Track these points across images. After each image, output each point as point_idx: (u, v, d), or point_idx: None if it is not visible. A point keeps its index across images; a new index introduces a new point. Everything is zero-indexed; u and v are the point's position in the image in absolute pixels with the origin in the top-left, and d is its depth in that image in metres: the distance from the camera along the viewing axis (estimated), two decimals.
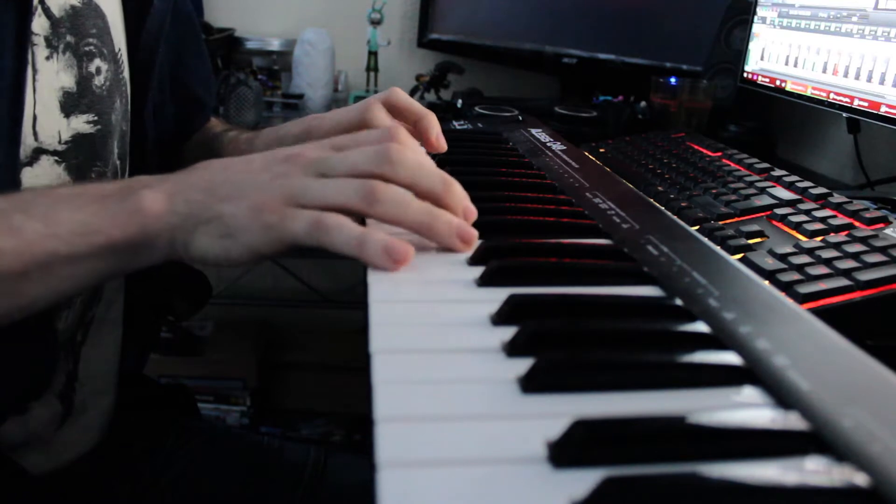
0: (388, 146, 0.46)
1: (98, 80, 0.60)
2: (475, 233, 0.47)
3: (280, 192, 0.44)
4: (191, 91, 0.78)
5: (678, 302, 0.40)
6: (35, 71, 0.54)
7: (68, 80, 0.57)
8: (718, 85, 1.23)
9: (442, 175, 0.47)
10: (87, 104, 0.59)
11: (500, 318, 0.38)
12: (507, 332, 0.36)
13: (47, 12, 0.55)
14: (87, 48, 0.59)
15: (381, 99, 0.62)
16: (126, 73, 0.65)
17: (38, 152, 0.55)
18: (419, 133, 0.62)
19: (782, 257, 0.58)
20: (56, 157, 0.56)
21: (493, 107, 1.12)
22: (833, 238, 0.61)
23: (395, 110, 0.62)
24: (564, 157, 0.74)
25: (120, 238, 0.45)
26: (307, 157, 0.47)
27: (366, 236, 0.43)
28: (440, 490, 0.26)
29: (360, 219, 0.46)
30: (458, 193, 0.47)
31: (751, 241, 0.63)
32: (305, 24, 1.57)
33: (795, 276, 0.55)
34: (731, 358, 0.35)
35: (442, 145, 0.63)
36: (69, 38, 0.57)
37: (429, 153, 0.71)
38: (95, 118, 0.60)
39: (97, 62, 0.60)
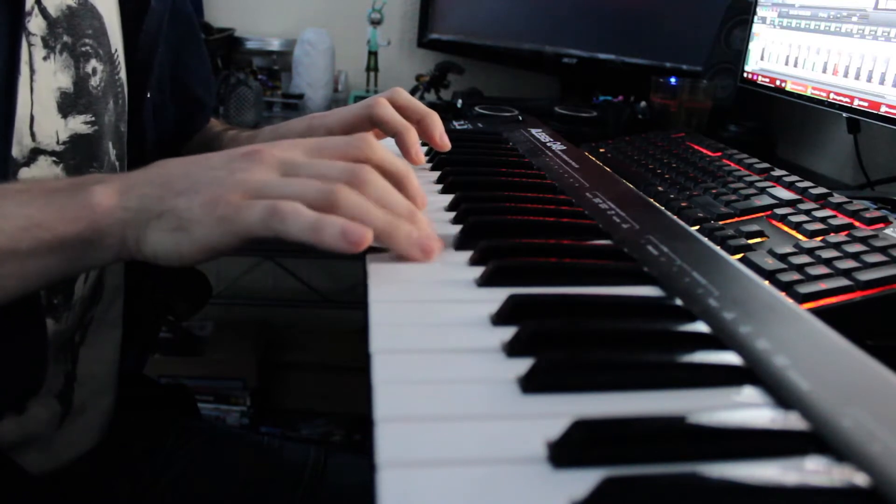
0: (360, 168, 0.45)
1: (94, 81, 0.60)
2: (438, 244, 0.45)
3: (237, 185, 0.43)
4: (191, 91, 0.78)
5: (678, 302, 0.40)
6: (32, 71, 0.54)
7: (65, 81, 0.57)
8: (718, 85, 1.23)
9: (409, 204, 0.46)
10: (85, 105, 0.59)
11: (499, 318, 0.38)
12: (507, 332, 0.36)
13: (44, 12, 0.55)
14: (83, 49, 0.59)
15: (384, 97, 0.62)
16: (122, 74, 0.65)
17: (36, 152, 0.55)
18: (422, 132, 0.62)
19: (782, 257, 0.58)
20: (54, 158, 0.56)
21: (493, 107, 1.12)
22: (833, 238, 0.61)
23: (397, 109, 0.62)
24: (564, 157, 0.74)
25: (67, 233, 0.43)
26: (272, 153, 0.45)
27: (322, 221, 0.41)
28: (440, 490, 0.26)
29: None
30: (422, 221, 0.46)
31: (751, 241, 0.63)
32: (305, 24, 1.58)
33: (795, 276, 0.55)
34: (731, 358, 0.35)
35: (445, 144, 0.62)
36: (66, 38, 0.57)
37: (429, 152, 0.71)
38: (93, 119, 0.60)
39: (93, 63, 0.60)
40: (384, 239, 0.44)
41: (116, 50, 0.64)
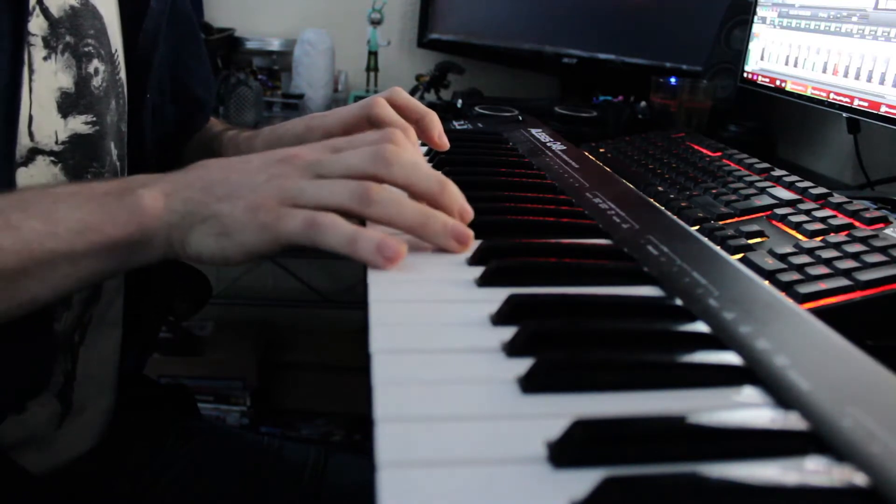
0: (383, 147, 0.46)
1: (96, 81, 0.60)
2: (471, 233, 0.47)
3: (276, 192, 0.45)
4: (191, 91, 0.78)
5: (678, 302, 0.40)
6: (31, 71, 0.54)
7: (67, 81, 0.57)
8: (718, 85, 1.23)
9: (437, 175, 0.47)
10: (86, 105, 0.59)
11: (499, 318, 0.38)
12: (507, 332, 0.36)
13: (46, 13, 0.55)
14: (85, 49, 0.59)
15: (383, 97, 0.62)
16: (123, 75, 0.65)
17: (34, 152, 0.55)
18: (421, 132, 0.62)
19: (782, 257, 0.58)
20: (52, 158, 0.56)
21: (493, 107, 1.12)
22: (833, 238, 0.61)
23: (396, 109, 0.62)
24: (564, 157, 0.74)
25: (118, 236, 0.45)
26: (304, 158, 0.47)
27: (358, 234, 0.43)
28: (440, 490, 0.26)
29: (361, 220, 0.46)
30: (453, 193, 0.47)
31: (751, 241, 0.63)
32: (305, 24, 1.58)
33: (795, 276, 0.55)
34: (731, 358, 0.35)
35: (444, 143, 0.63)
36: (68, 38, 0.57)
37: (429, 152, 0.71)
38: (94, 119, 0.60)
39: (95, 63, 0.60)
40: (419, 232, 0.46)
41: (116, 50, 0.64)
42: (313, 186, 0.45)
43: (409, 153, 0.48)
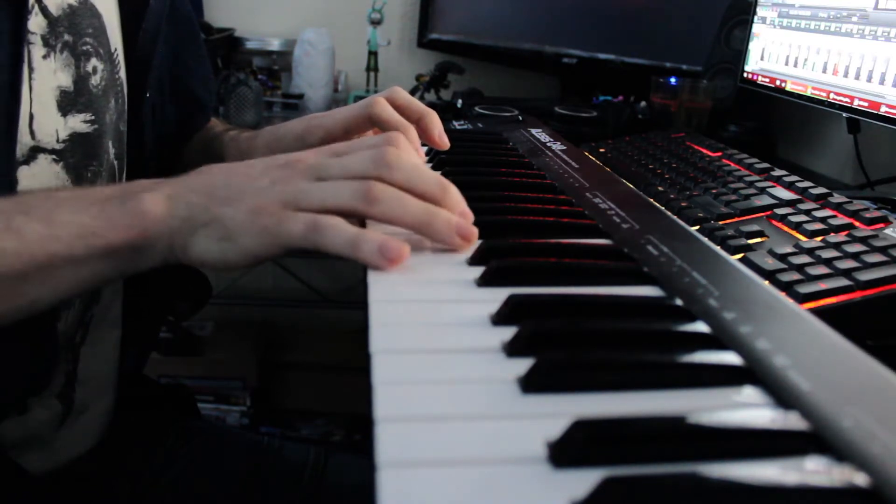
0: (385, 150, 0.46)
1: (94, 80, 0.60)
2: (475, 230, 0.47)
3: (278, 196, 0.45)
4: (191, 91, 0.78)
5: (678, 302, 0.40)
6: (31, 70, 0.54)
7: (65, 79, 0.57)
8: (718, 85, 1.23)
9: (439, 178, 0.47)
10: (85, 103, 0.59)
11: (499, 318, 0.38)
12: (507, 333, 0.36)
13: (44, 11, 0.55)
14: (84, 47, 0.59)
15: (383, 97, 0.62)
16: (122, 74, 0.65)
17: (36, 151, 0.55)
18: (422, 131, 0.62)
19: (782, 257, 0.58)
20: (54, 156, 0.56)
21: (493, 107, 1.12)
22: (833, 238, 0.61)
23: (396, 109, 0.62)
24: (564, 157, 0.74)
25: (120, 241, 0.45)
26: (306, 162, 0.47)
27: (361, 236, 0.43)
28: (440, 490, 0.26)
29: (362, 222, 0.46)
30: (454, 195, 0.47)
31: (751, 241, 0.63)
32: (305, 24, 1.57)
33: (795, 276, 0.55)
34: (731, 358, 0.35)
35: (445, 143, 0.63)
36: (67, 36, 0.57)
37: (429, 152, 0.71)
38: (92, 117, 0.60)
39: (94, 62, 0.60)
40: (424, 230, 0.46)
41: (116, 49, 0.64)
42: (315, 188, 0.45)
43: (411, 156, 0.48)
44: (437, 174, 0.48)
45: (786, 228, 0.66)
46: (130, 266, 0.47)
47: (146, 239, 0.45)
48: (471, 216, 0.48)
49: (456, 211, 0.47)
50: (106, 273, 0.47)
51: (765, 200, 0.71)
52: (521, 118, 1.02)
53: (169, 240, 0.46)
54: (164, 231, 0.45)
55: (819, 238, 0.62)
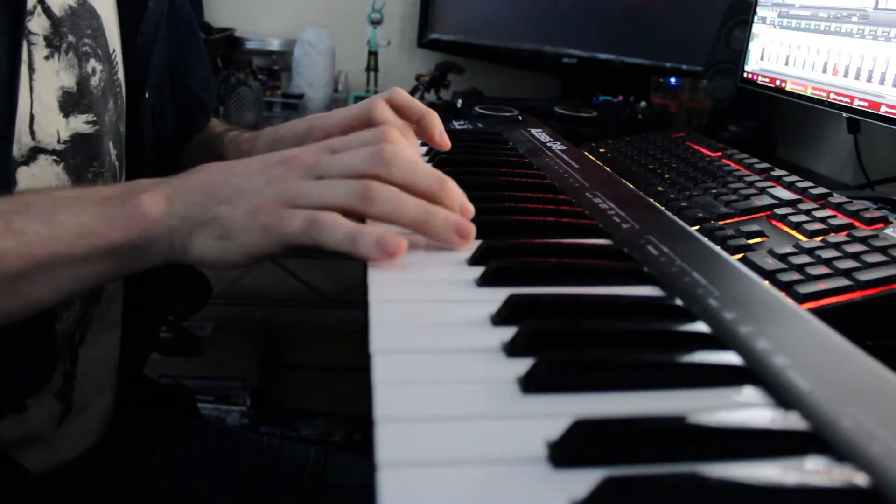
0: (382, 147, 0.47)
1: (94, 81, 0.60)
2: (472, 227, 0.47)
3: (277, 194, 0.45)
4: (190, 92, 0.78)
5: (678, 302, 0.40)
6: (32, 70, 0.54)
7: (69, 80, 0.57)
8: (718, 85, 1.23)
9: (436, 173, 0.47)
10: (87, 104, 0.59)
11: (499, 319, 0.38)
12: (507, 333, 0.36)
13: (48, 12, 0.55)
14: (83, 48, 0.59)
15: (383, 98, 0.62)
16: (121, 75, 0.65)
17: (36, 151, 0.55)
18: (422, 131, 0.62)
19: (782, 257, 0.58)
20: (54, 157, 0.56)
21: (493, 107, 1.12)
22: (833, 238, 0.61)
23: (396, 109, 0.62)
24: (564, 157, 0.74)
25: (120, 240, 0.45)
26: (303, 159, 0.47)
27: (359, 231, 0.43)
28: (440, 490, 0.26)
29: (361, 219, 0.46)
30: (453, 191, 0.47)
31: (751, 241, 0.63)
32: (305, 24, 1.57)
33: (795, 276, 0.55)
34: (731, 358, 0.35)
35: (445, 143, 0.63)
36: (71, 37, 0.57)
37: (429, 152, 0.71)
38: (94, 118, 0.60)
39: (93, 63, 0.60)
40: (421, 228, 0.46)
41: (114, 50, 0.64)
42: (313, 186, 0.45)
43: (407, 152, 0.48)
44: (435, 169, 0.48)
45: (786, 228, 0.66)
46: (131, 265, 0.47)
47: (146, 239, 0.46)
48: (471, 210, 0.48)
49: (455, 205, 0.47)
50: (106, 273, 0.47)
51: (765, 200, 0.71)
52: (521, 118, 1.02)
53: (169, 239, 0.46)
54: (163, 231, 0.46)
55: (819, 238, 0.62)
